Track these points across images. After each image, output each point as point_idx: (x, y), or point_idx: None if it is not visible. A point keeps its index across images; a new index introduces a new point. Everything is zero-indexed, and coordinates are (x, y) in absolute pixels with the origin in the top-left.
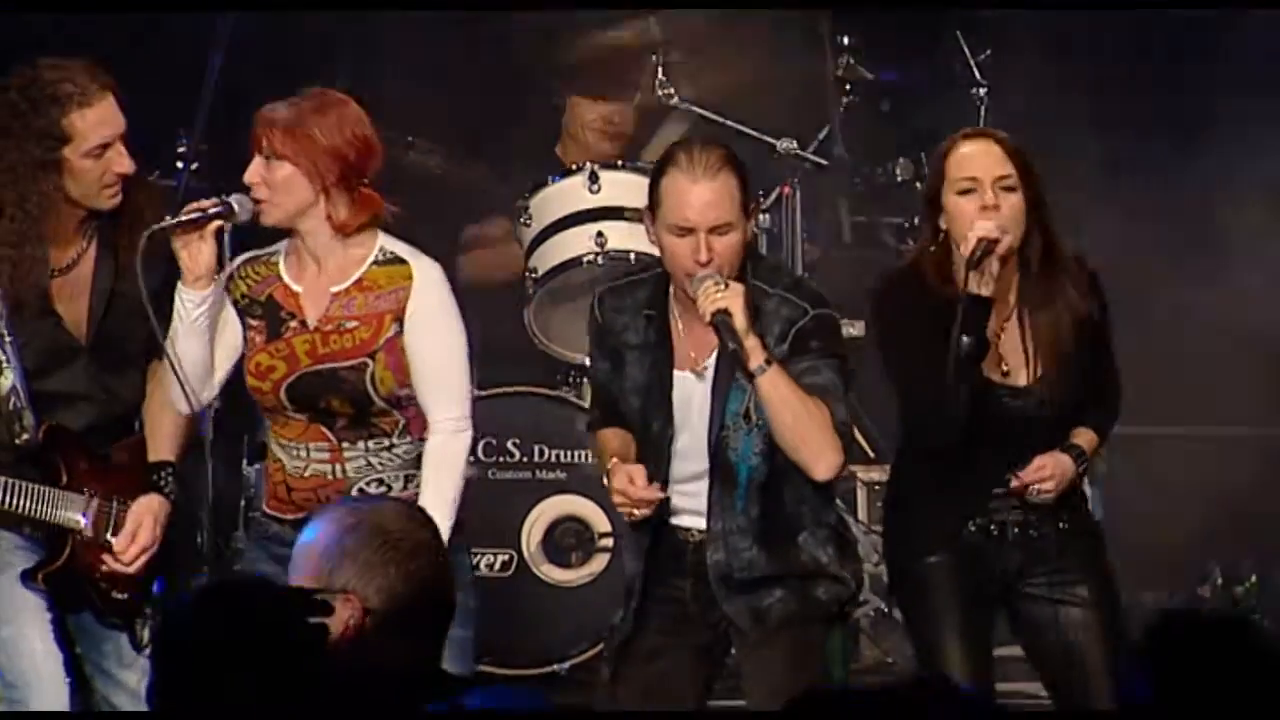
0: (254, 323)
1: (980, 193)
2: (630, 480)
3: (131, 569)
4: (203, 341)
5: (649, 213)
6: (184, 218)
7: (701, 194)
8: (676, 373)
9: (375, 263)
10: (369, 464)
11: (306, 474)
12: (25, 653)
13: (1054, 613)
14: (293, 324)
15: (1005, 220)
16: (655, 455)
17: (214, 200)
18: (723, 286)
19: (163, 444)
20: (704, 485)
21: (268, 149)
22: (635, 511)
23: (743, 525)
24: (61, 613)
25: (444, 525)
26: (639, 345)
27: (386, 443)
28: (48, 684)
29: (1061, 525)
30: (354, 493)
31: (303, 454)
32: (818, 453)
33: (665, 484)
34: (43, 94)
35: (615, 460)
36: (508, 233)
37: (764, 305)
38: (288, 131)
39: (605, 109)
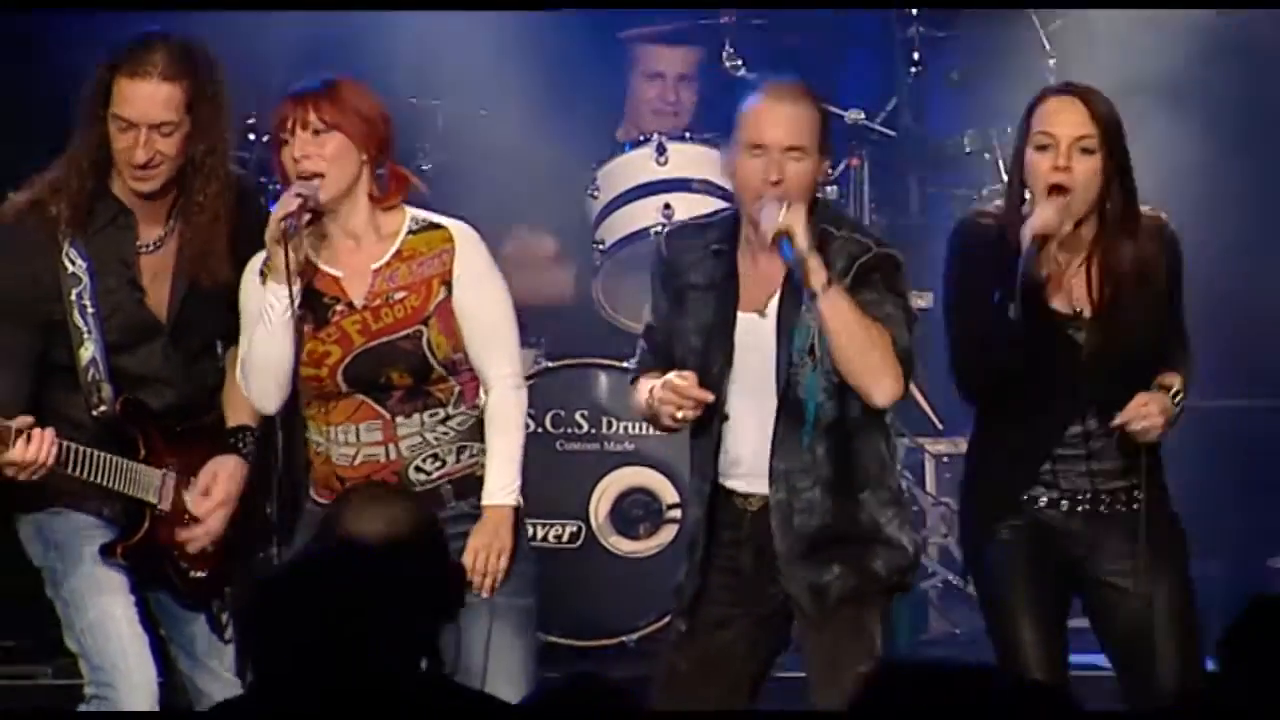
0: (298, 316)
1: (1054, 151)
2: (682, 378)
3: (209, 524)
4: (290, 337)
5: (729, 146)
6: (291, 220)
7: (779, 114)
8: (740, 313)
9: (410, 232)
10: (424, 440)
11: (358, 461)
12: (112, 635)
13: (1128, 606)
14: (339, 307)
15: (1076, 181)
16: (713, 399)
17: (294, 194)
18: (785, 206)
19: (242, 411)
20: (763, 438)
21: (314, 122)
22: (680, 413)
23: (806, 464)
24: (143, 593)
25: (514, 481)
26: (704, 285)
27: (442, 414)
28: (134, 666)
29: (1135, 506)
30: (410, 472)
31: (352, 438)
32: (877, 376)
33: (720, 430)
34: (113, 50)
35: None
36: (556, 253)
37: (830, 244)
38: (331, 102)
39: (681, 69)
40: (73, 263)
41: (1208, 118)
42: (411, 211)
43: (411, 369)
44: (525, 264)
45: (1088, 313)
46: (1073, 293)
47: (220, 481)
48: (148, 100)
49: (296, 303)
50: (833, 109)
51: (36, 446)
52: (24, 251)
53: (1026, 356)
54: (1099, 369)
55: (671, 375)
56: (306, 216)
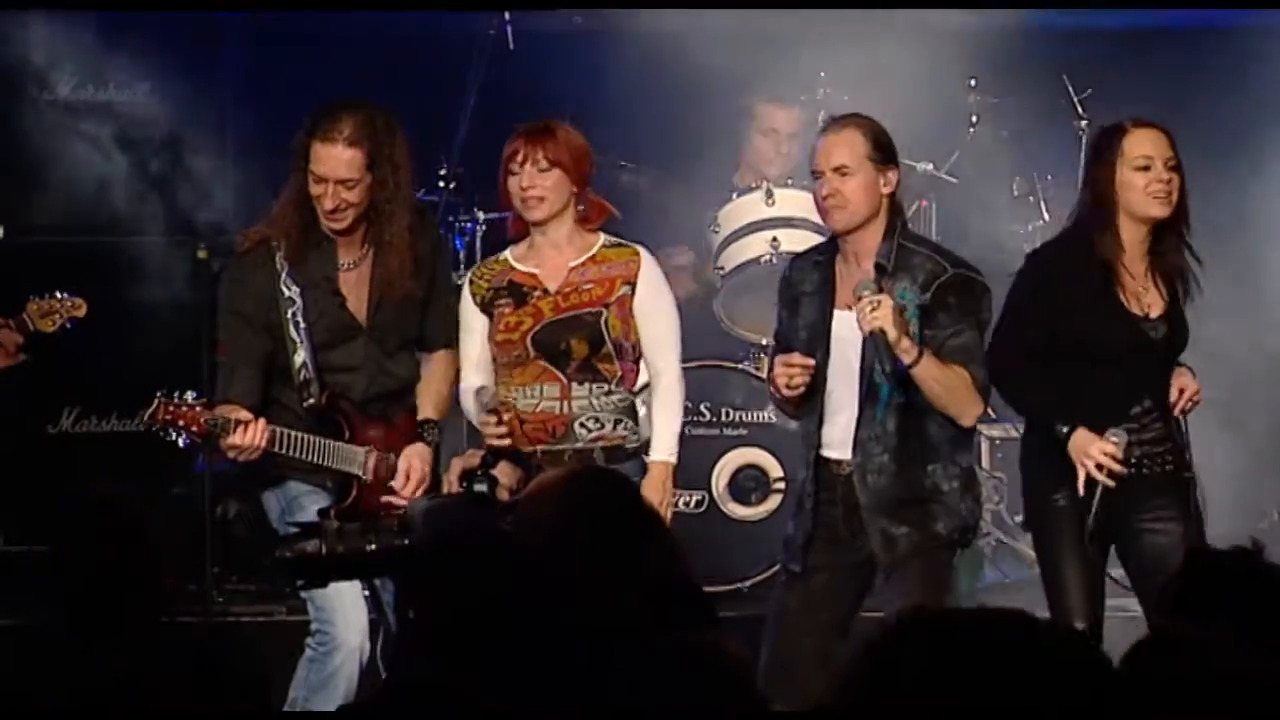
0: (501, 302)
1: (1154, 169)
2: (786, 353)
3: (408, 499)
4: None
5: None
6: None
7: (827, 142)
8: (836, 311)
9: (604, 246)
10: (590, 404)
11: (538, 409)
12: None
13: (1154, 545)
14: (536, 293)
15: (1174, 192)
16: (816, 381)
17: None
18: (876, 304)
19: (428, 407)
20: (852, 415)
21: (541, 160)
22: (793, 381)
23: (879, 434)
24: None
25: (675, 445)
26: (811, 291)
27: (606, 388)
28: (349, 606)
29: (1167, 468)
30: (576, 427)
31: (535, 394)
32: (963, 409)
33: (822, 407)
34: (312, 118)
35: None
36: (691, 262)
37: (910, 260)
38: (555, 142)
39: (787, 114)
40: (288, 287)
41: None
42: (604, 236)
43: (589, 339)
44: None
45: (1154, 313)
46: (1142, 297)
47: (415, 467)
48: (335, 160)
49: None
50: (906, 160)
51: (251, 434)
52: (253, 277)
53: (1108, 350)
54: (1165, 360)
55: (779, 356)
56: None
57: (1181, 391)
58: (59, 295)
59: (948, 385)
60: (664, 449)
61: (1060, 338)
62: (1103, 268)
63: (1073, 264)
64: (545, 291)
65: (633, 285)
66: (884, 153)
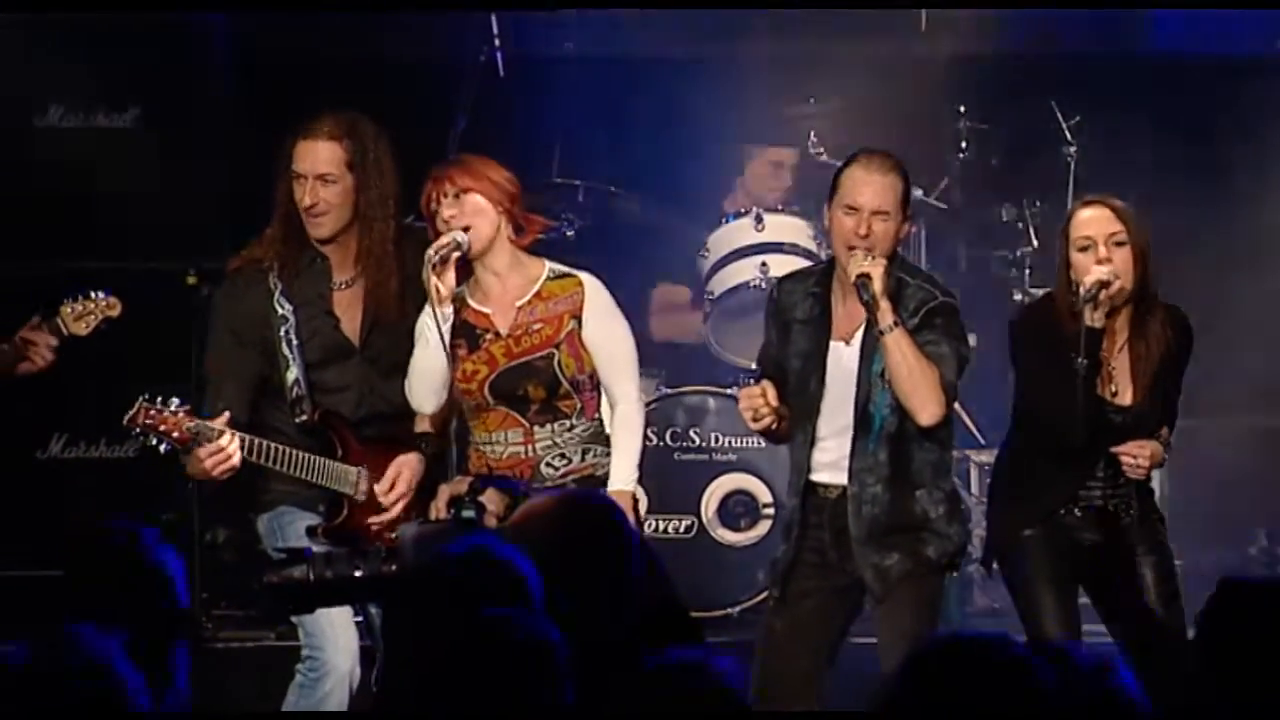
0: (455, 342)
1: (1095, 248)
2: (750, 388)
3: (392, 512)
4: (443, 353)
5: (827, 199)
6: (442, 254)
7: (871, 183)
8: (832, 342)
9: (548, 279)
10: (554, 443)
11: (505, 456)
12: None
13: (1122, 580)
14: (488, 336)
15: (1116, 268)
16: (809, 410)
17: (449, 238)
18: (870, 258)
19: (424, 421)
20: (844, 441)
21: (452, 189)
22: (758, 414)
23: (872, 465)
24: None
25: (633, 473)
26: (805, 320)
27: (568, 424)
28: (340, 631)
29: (1133, 513)
30: (541, 467)
31: (501, 440)
32: (924, 402)
33: (814, 436)
34: (300, 121)
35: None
36: (688, 300)
37: (904, 290)
38: (464, 170)
39: (775, 156)
40: (281, 306)
41: (1203, 175)
42: (550, 264)
43: (544, 383)
44: (663, 310)
45: (1124, 399)
46: (1113, 379)
47: (403, 477)
48: (314, 156)
49: (447, 324)
50: None
51: (229, 442)
52: (246, 296)
53: (1066, 429)
54: (1125, 438)
55: (743, 390)
56: (456, 254)
57: (1132, 457)
58: (94, 295)
59: (913, 366)
60: (621, 478)
61: (1027, 405)
62: (1068, 346)
63: (1042, 339)
64: (497, 334)
65: (579, 318)
66: (909, 199)
